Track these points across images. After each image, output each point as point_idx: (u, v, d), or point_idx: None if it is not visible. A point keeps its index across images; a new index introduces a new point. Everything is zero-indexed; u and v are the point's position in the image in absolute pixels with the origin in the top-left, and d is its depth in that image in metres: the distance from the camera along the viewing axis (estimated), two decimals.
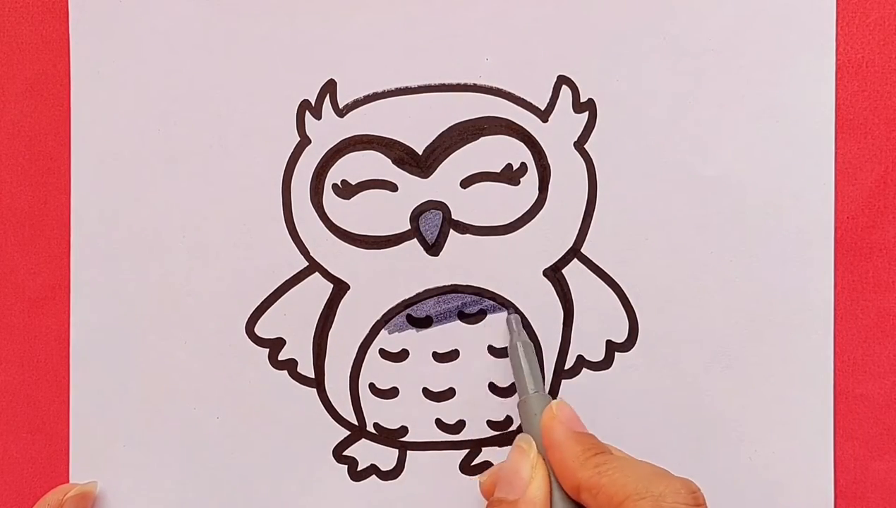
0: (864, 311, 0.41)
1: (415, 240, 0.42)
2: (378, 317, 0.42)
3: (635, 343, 0.42)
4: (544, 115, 0.42)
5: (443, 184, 0.42)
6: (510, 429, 0.42)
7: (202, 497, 0.43)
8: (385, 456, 0.42)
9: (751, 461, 0.41)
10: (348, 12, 0.42)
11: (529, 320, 0.42)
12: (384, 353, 0.42)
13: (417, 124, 0.42)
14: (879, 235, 0.41)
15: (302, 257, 0.42)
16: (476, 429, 0.42)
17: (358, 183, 0.42)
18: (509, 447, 0.42)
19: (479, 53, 0.42)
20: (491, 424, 0.42)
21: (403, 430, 0.42)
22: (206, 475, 0.43)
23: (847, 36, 0.41)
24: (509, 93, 0.42)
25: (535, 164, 0.42)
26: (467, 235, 0.42)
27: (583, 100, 0.42)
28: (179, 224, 0.43)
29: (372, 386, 0.42)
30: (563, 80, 0.42)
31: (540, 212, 0.42)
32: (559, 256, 0.42)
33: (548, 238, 0.42)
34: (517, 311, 0.42)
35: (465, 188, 0.42)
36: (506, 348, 0.42)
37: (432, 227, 0.42)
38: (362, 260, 0.42)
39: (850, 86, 0.41)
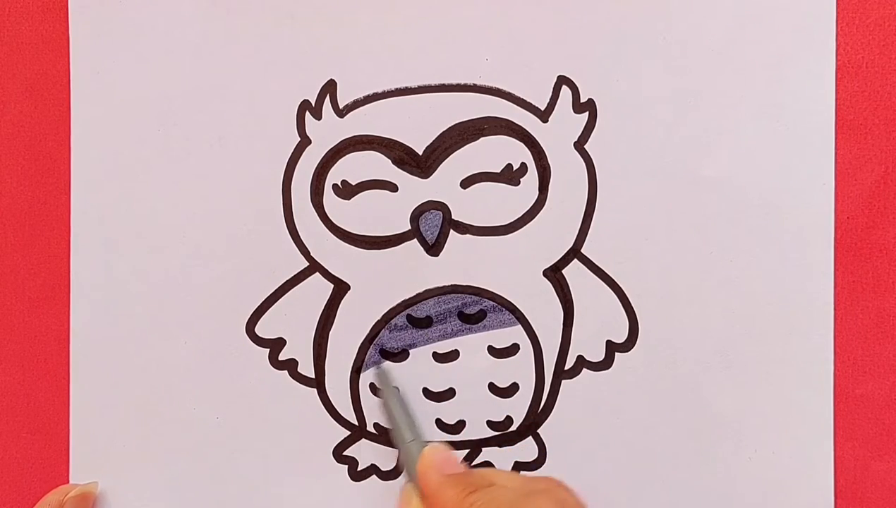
0: (864, 311, 0.41)
1: (415, 240, 0.42)
2: (378, 317, 0.42)
3: (635, 343, 0.42)
4: (544, 116, 0.42)
5: (443, 184, 0.42)
6: (510, 429, 0.42)
7: (202, 497, 0.43)
8: (385, 456, 0.42)
9: (751, 461, 0.41)
10: (348, 12, 0.42)
11: (529, 320, 0.42)
12: (384, 353, 0.42)
13: (417, 124, 0.42)
14: (879, 235, 0.41)
15: (302, 257, 0.42)
16: (476, 429, 0.42)
17: (358, 183, 0.42)
18: (509, 447, 0.42)
19: (479, 53, 0.42)
20: (491, 424, 0.42)
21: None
22: (206, 475, 0.43)
23: (847, 36, 0.41)
24: (509, 93, 0.42)
25: (535, 164, 0.42)
26: (467, 235, 0.42)
27: (583, 100, 0.42)
28: (179, 224, 0.43)
29: (372, 386, 0.42)
30: (563, 80, 0.42)
31: (540, 213, 0.42)
32: (559, 256, 0.42)
33: (548, 238, 0.42)
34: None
35: (465, 188, 0.42)
36: (506, 348, 0.42)
37: (432, 227, 0.42)
38: (362, 260, 0.42)
39: (850, 87, 0.41)
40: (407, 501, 0.37)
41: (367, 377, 0.42)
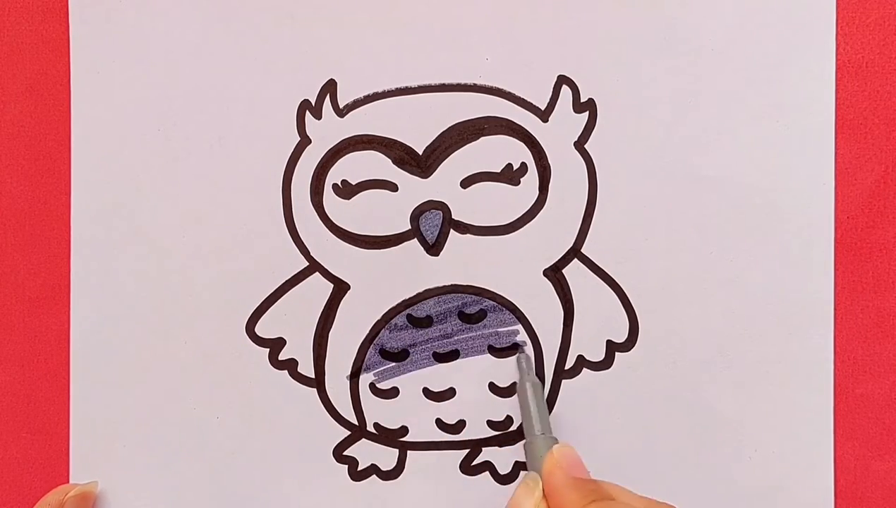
0: (864, 311, 0.41)
1: (415, 240, 0.42)
2: (378, 317, 0.42)
3: (635, 343, 0.42)
4: (544, 115, 0.42)
5: (443, 184, 0.42)
6: (510, 429, 0.42)
7: (202, 497, 0.42)
8: (385, 456, 0.42)
9: (751, 461, 0.41)
10: (348, 12, 0.42)
11: (529, 320, 0.42)
12: (384, 353, 0.42)
13: (417, 124, 0.42)
14: (879, 235, 0.41)
15: (302, 257, 0.42)
16: (476, 429, 0.42)
17: (358, 183, 0.42)
18: (509, 447, 0.42)
19: (479, 53, 0.42)
20: (491, 424, 0.42)
21: (403, 430, 0.42)
22: (206, 475, 0.43)
23: (847, 36, 0.41)
24: (509, 93, 0.42)
25: (536, 164, 0.42)
26: (467, 235, 0.42)
27: (583, 100, 0.42)
28: (179, 223, 0.43)
29: (372, 386, 0.42)
30: (563, 80, 0.42)
31: (540, 212, 0.42)
32: (559, 256, 0.42)
33: (548, 238, 0.42)
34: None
35: (465, 188, 0.42)
36: (506, 348, 0.42)
37: (432, 227, 0.42)
38: (362, 260, 0.42)
39: (850, 86, 0.41)
40: (530, 492, 0.37)
41: (366, 377, 0.42)
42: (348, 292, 0.42)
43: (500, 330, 0.42)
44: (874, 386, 0.41)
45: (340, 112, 0.42)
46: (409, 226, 0.42)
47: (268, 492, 0.42)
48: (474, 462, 0.42)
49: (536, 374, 0.42)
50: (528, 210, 0.42)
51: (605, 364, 0.42)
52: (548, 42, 0.42)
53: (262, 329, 0.42)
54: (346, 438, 0.42)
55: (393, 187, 0.42)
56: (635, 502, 0.36)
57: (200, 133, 0.42)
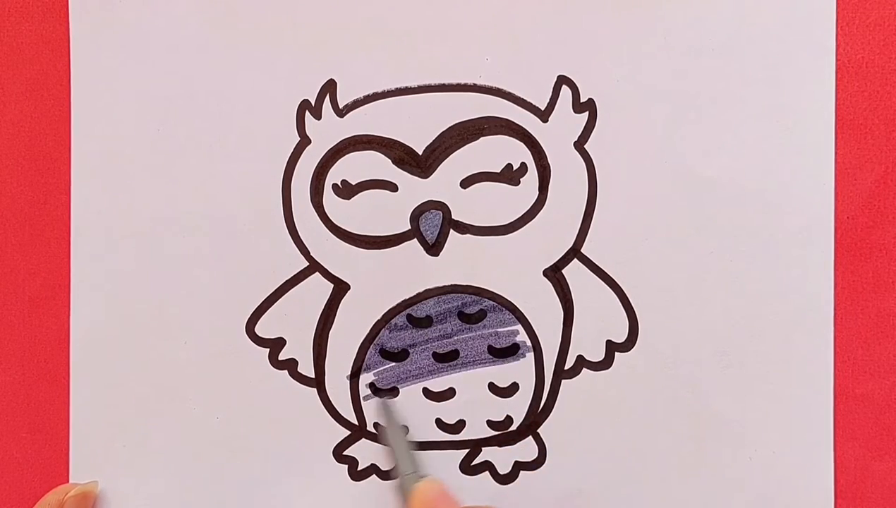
0: (864, 311, 0.41)
1: (415, 240, 0.42)
2: (378, 317, 0.42)
3: (635, 343, 0.42)
4: (544, 115, 0.42)
5: (443, 184, 0.42)
6: (510, 429, 0.42)
7: (202, 497, 0.43)
8: (385, 456, 0.42)
9: (751, 461, 0.41)
10: (348, 12, 0.42)
11: (529, 320, 0.42)
12: (384, 353, 0.42)
13: (417, 124, 0.42)
14: (879, 235, 0.41)
15: (302, 257, 0.42)
16: (476, 429, 0.42)
17: (358, 183, 0.42)
18: (509, 447, 0.42)
19: (479, 53, 0.42)
20: (491, 424, 0.42)
21: (404, 430, 0.42)
22: (206, 475, 0.43)
23: (847, 36, 0.41)
24: (509, 93, 0.42)
25: (535, 164, 0.42)
26: (467, 235, 0.42)
27: (583, 100, 0.42)
28: (179, 223, 0.43)
29: (372, 386, 0.42)
30: (563, 80, 0.42)
31: (540, 212, 0.42)
32: (559, 256, 0.42)
33: (548, 238, 0.42)
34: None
35: (465, 188, 0.42)
36: (506, 348, 0.42)
37: (432, 227, 0.42)
38: (362, 260, 0.42)
39: (850, 87, 0.41)
40: None
41: (366, 377, 0.42)
42: (348, 292, 0.42)
43: (499, 330, 0.42)
44: (874, 386, 0.41)
45: (340, 112, 0.42)
46: (409, 226, 0.42)
47: (268, 492, 0.42)
48: (474, 462, 0.42)
49: (536, 375, 0.42)
50: (528, 210, 0.42)
51: (605, 364, 0.42)
52: (548, 42, 0.42)
53: (262, 329, 0.42)
54: (346, 438, 0.42)
55: (393, 187, 0.42)
56: None
57: (200, 133, 0.42)
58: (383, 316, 0.42)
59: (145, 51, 0.43)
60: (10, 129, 0.43)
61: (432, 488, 0.38)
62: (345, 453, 0.42)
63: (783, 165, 0.41)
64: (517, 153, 0.42)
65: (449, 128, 0.42)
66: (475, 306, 0.42)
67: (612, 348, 0.42)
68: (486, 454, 0.42)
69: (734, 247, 0.41)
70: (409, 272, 0.42)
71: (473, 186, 0.42)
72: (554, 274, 0.42)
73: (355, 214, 0.42)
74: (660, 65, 0.41)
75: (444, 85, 0.42)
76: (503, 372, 0.42)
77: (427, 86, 0.42)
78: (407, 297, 0.42)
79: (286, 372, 0.42)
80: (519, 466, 0.42)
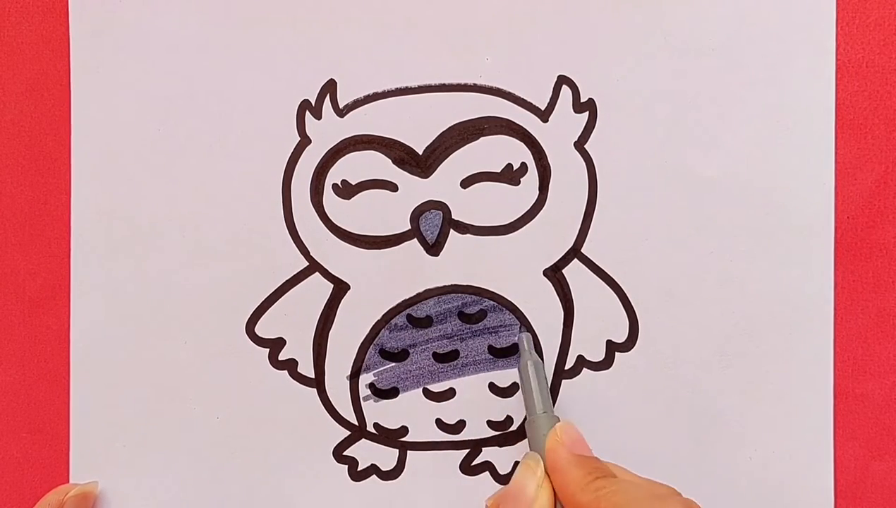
0: (864, 311, 0.41)
1: (415, 240, 0.42)
2: (378, 317, 0.42)
3: (635, 343, 0.42)
4: (544, 115, 0.42)
5: (443, 184, 0.42)
6: (510, 429, 0.42)
7: (202, 497, 0.42)
8: (385, 456, 0.42)
9: (751, 461, 0.41)
10: (348, 12, 0.42)
11: (529, 320, 0.42)
12: (384, 353, 0.42)
13: (417, 124, 0.42)
14: (879, 235, 0.41)
15: (302, 257, 0.42)
16: (476, 429, 0.42)
17: (358, 183, 0.42)
18: (509, 447, 0.42)
19: (479, 53, 0.42)
20: (491, 424, 0.42)
21: (403, 430, 0.42)
22: (206, 475, 0.43)
23: (847, 36, 0.41)
24: (509, 93, 0.42)
25: (536, 164, 0.42)
26: (467, 235, 0.42)
27: (583, 100, 0.42)
28: (179, 224, 0.43)
29: (372, 387, 0.42)
30: (563, 80, 0.42)
31: (540, 212, 0.42)
32: (559, 256, 0.42)
33: (548, 238, 0.42)
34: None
35: (465, 188, 0.42)
36: (506, 348, 0.42)
37: (432, 227, 0.42)
38: (362, 260, 0.42)
39: (850, 87, 0.41)
40: (532, 471, 0.37)
41: (366, 377, 0.42)
42: (348, 292, 0.42)
43: (500, 330, 0.42)
44: (874, 386, 0.41)
45: (340, 112, 0.42)
46: (409, 226, 0.42)
47: (268, 492, 0.42)
48: (474, 462, 0.42)
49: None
50: (528, 210, 0.42)
51: (605, 364, 0.42)
52: (548, 42, 0.42)
53: (262, 329, 0.42)
54: (346, 438, 0.42)
55: (393, 187, 0.42)
56: (636, 480, 0.36)
57: (200, 133, 0.42)
58: (383, 316, 0.42)
59: (145, 51, 0.43)
60: (10, 129, 0.43)
61: (570, 430, 0.37)
62: (345, 453, 0.42)
63: (783, 165, 0.41)
64: (517, 153, 0.42)
65: (449, 128, 0.42)
66: (475, 306, 0.42)
67: (612, 348, 0.42)
68: (486, 454, 0.42)
69: (734, 247, 0.41)
70: (409, 272, 0.42)
71: (473, 186, 0.42)
72: (554, 274, 0.42)
73: (355, 214, 0.42)
74: (660, 65, 0.41)
75: (444, 85, 0.42)
76: (503, 372, 0.42)
77: (427, 87, 0.42)
78: (407, 297, 0.42)
79: (286, 372, 0.42)
80: None
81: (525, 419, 0.39)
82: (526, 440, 0.39)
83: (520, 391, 0.42)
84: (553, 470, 0.36)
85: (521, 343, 0.41)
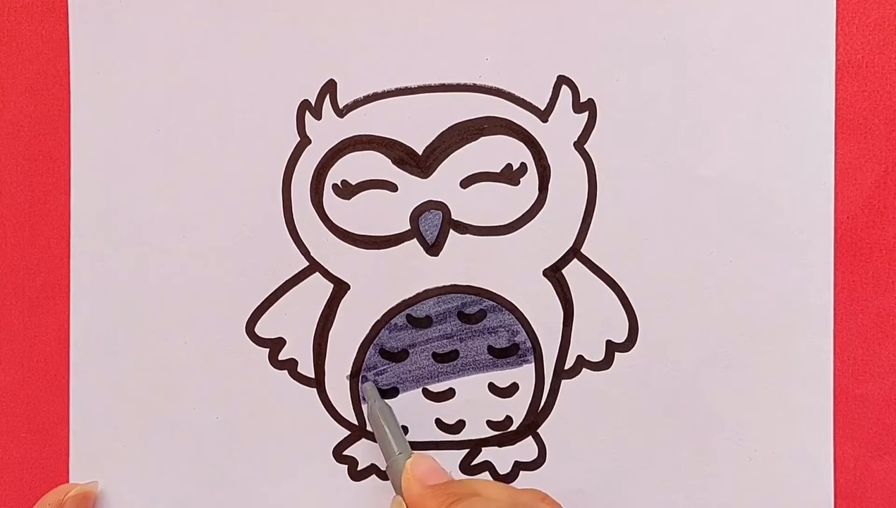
0: (864, 311, 0.41)
1: (415, 240, 0.42)
2: (378, 317, 0.42)
3: (635, 343, 0.42)
4: (544, 115, 0.42)
5: (443, 184, 0.42)
6: (510, 429, 0.42)
7: (202, 497, 0.43)
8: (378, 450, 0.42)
9: (751, 461, 0.41)
10: (348, 12, 0.42)
11: (529, 320, 0.42)
12: (384, 353, 0.42)
13: (417, 124, 0.42)
14: (879, 235, 0.41)
15: (302, 257, 0.42)
16: (476, 429, 0.42)
17: (358, 183, 0.42)
18: (509, 447, 0.42)
19: (479, 53, 0.42)
20: (491, 424, 0.42)
21: (403, 430, 0.42)
22: (206, 475, 0.43)
23: (847, 36, 0.41)
24: (509, 93, 0.42)
25: (535, 164, 0.42)
26: (467, 235, 0.42)
27: (583, 100, 0.42)
28: (179, 224, 0.43)
29: (362, 391, 0.42)
30: (563, 80, 0.42)
31: (540, 212, 0.42)
32: (559, 256, 0.42)
33: (548, 238, 0.42)
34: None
35: (465, 188, 0.42)
36: (506, 348, 0.42)
37: (432, 227, 0.42)
38: (362, 260, 0.42)
39: (850, 87, 0.41)
40: None
41: (366, 376, 0.42)
42: (348, 292, 0.42)
43: (499, 330, 0.42)
44: (874, 386, 0.41)
45: (340, 112, 0.42)
46: (408, 226, 0.42)
47: (268, 492, 0.42)
48: (474, 462, 0.42)
49: (536, 374, 0.42)
50: (528, 210, 0.42)
51: (605, 364, 0.42)
52: (548, 42, 0.42)
53: (262, 329, 0.42)
54: (346, 438, 0.42)
55: (393, 187, 0.42)
56: (499, 494, 0.36)
57: (200, 133, 0.43)
58: (383, 316, 0.42)
59: (145, 51, 0.43)
60: (10, 129, 0.43)
61: (422, 463, 0.38)
62: (345, 453, 0.42)
63: (783, 165, 0.41)
64: (517, 153, 0.42)
65: (449, 128, 0.42)
66: (475, 306, 0.42)
67: (612, 348, 0.42)
68: (486, 454, 0.42)
69: (734, 248, 0.41)
70: (409, 272, 0.42)
71: (473, 186, 0.42)
72: (554, 274, 0.42)
73: (355, 214, 0.42)
74: (660, 65, 0.41)
75: (444, 85, 0.42)
76: (503, 372, 0.42)
77: (427, 87, 0.42)
78: (407, 297, 0.42)
79: (286, 372, 0.42)
80: (519, 466, 0.42)
81: (386, 465, 0.39)
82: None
83: (519, 391, 0.42)
84: (411, 507, 0.37)
85: (365, 392, 0.41)
